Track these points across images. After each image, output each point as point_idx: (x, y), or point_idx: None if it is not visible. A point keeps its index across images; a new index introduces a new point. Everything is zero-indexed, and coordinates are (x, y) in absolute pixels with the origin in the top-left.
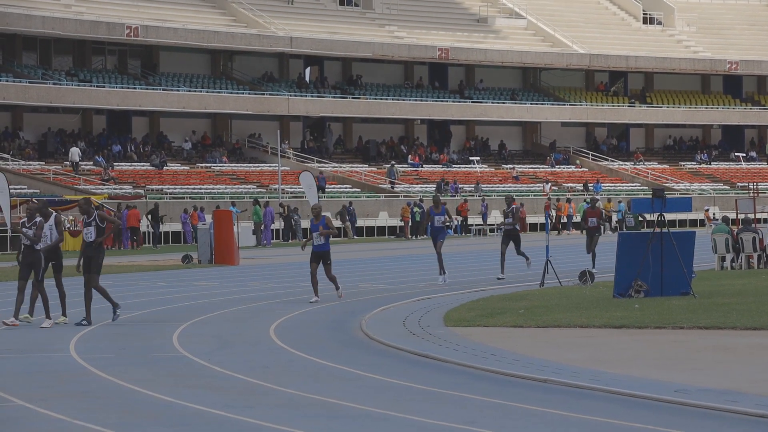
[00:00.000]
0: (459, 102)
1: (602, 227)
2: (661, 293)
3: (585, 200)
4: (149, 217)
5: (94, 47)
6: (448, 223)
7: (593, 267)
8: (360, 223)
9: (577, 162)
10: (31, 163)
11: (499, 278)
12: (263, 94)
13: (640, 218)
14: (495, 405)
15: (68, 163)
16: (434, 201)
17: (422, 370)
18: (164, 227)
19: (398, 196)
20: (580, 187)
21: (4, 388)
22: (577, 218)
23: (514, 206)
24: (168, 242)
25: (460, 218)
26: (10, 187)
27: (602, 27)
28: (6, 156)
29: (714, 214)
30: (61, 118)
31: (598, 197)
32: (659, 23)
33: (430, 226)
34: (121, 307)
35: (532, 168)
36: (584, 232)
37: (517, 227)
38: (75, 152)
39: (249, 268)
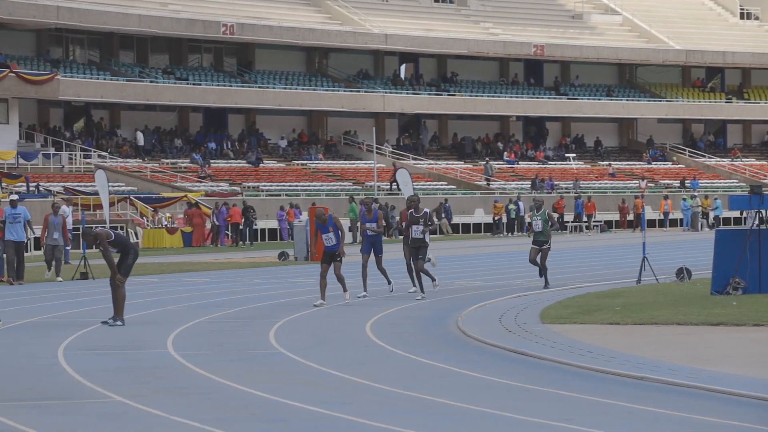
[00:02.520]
0: (554, 98)
1: (426, 235)
2: (759, 290)
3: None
4: (242, 215)
5: (191, 45)
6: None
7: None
8: (456, 219)
9: (674, 158)
10: (128, 160)
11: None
12: (358, 92)
13: (550, 221)
14: (592, 402)
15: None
16: (365, 204)
17: (519, 367)
18: (260, 224)
19: (494, 193)
20: (677, 183)
21: (103, 385)
22: (674, 215)
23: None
24: (264, 239)
25: (555, 215)
26: (108, 184)
27: (698, 22)
28: (104, 153)
29: None
30: (157, 116)
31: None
32: (756, 18)
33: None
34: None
35: (628, 165)
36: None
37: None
38: (140, 137)
39: (345, 265)
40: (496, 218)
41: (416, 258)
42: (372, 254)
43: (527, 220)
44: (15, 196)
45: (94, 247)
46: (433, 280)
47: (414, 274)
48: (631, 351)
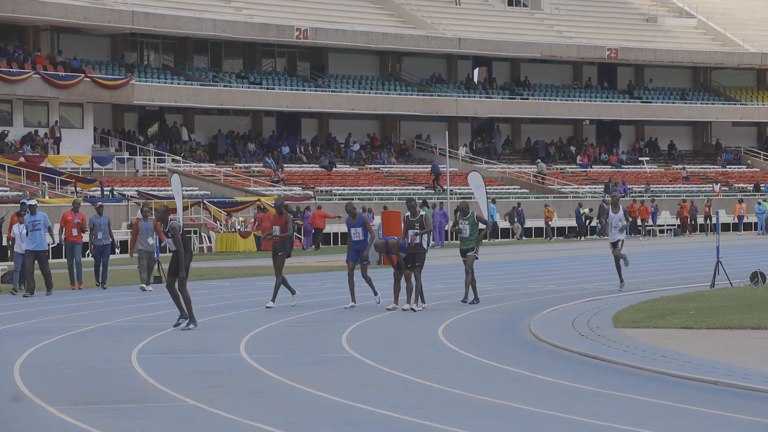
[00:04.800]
0: (628, 102)
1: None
2: None
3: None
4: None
5: (264, 50)
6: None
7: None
8: (528, 224)
9: (748, 162)
10: (202, 164)
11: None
12: (431, 95)
13: (479, 225)
14: (664, 407)
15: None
16: (348, 210)
17: (591, 372)
18: (333, 228)
19: (567, 197)
20: (750, 187)
21: (176, 388)
22: (748, 219)
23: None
24: (337, 243)
25: (630, 219)
26: (182, 188)
27: None
28: (178, 158)
29: None
30: (231, 120)
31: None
32: None
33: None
34: (197, 326)
35: (702, 168)
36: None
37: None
38: (184, 131)
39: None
40: (548, 222)
41: (413, 265)
42: (359, 262)
43: (459, 225)
44: (33, 202)
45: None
46: (417, 302)
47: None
48: (704, 355)
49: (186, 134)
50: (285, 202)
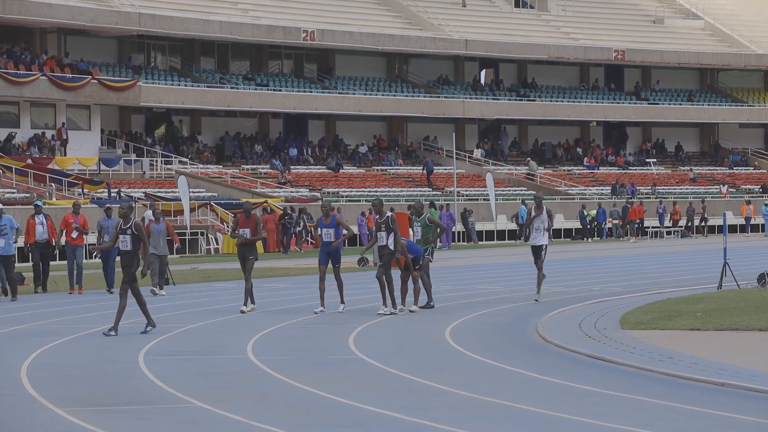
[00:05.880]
0: (635, 104)
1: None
2: None
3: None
4: (279, 222)
5: (271, 51)
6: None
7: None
8: None
9: (756, 163)
10: (209, 166)
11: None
12: (438, 97)
13: (432, 228)
14: (672, 408)
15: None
16: (322, 208)
17: (598, 373)
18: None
19: (574, 199)
20: (758, 188)
21: (183, 390)
22: (756, 221)
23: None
24: (355, 244)
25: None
26: (189, 190)
27: None
28: (185, 159)
29: None
30: (238, 122)
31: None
32: None
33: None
34: (155, 327)
35: (709, 170)
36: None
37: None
38: (184, 128)
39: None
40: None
41: (387, 268)
42: (330, 264)
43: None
44: None
45: (126, 230)
46: (404, 304)
47: (383, 287)
48: (711, 357)
49: (185, 131)
50: (291, 203)
